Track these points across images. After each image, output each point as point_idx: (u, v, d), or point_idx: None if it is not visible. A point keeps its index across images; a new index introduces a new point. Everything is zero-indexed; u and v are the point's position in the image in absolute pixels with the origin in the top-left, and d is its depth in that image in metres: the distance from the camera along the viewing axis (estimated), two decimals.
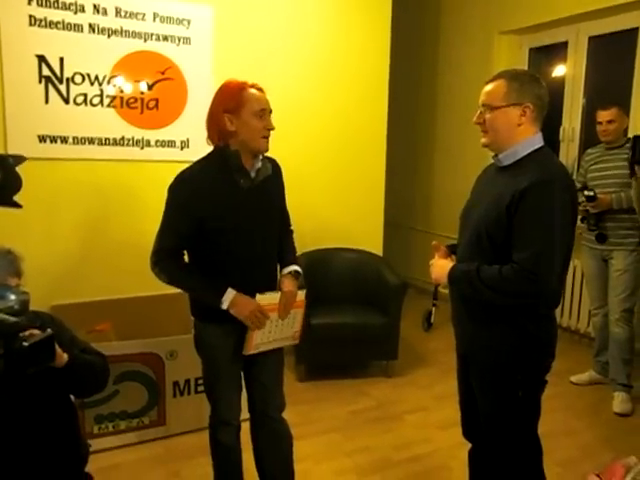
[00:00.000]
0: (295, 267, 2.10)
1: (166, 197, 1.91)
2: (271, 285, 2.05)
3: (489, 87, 1.70)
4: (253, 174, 1.92)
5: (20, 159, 1.52)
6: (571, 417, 3.14)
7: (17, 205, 1.53)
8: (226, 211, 1.88)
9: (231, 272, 1.93)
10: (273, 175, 2.01)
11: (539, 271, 1.54)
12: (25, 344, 1.39)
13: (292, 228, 2.23)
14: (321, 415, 3.15)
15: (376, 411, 3.23)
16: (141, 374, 2.77)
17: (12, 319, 1.42)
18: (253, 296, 1.93)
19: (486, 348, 1.74)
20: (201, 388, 2.85)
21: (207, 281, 1.93)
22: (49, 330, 1.47)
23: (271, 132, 1.90)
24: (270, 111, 1.90)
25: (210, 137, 1.93)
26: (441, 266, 1.77)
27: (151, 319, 3.04)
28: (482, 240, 1.67)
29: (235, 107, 1.83)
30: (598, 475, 1.09)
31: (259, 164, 1.94)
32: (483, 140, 1.75)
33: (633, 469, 1.15)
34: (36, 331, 1.44)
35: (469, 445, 2.05)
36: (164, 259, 1.92)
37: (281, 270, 2.13)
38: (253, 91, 1.86)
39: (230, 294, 1.88)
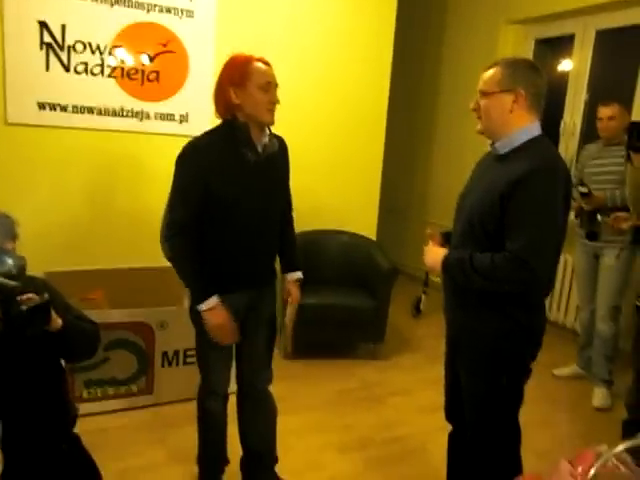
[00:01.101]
0: (300, 274, 2.21)
1: (174, 168, 1.92)
2: (268, 266, 2.10)
3: (486, 73, 1.73)
4: (260, 148, 1.94)
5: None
6: (550, 409, 3.20)
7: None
8: (232, 182, 1.90)
9: (233, 244, 1.96)
10: (280, 152, 2.03)
11: (531, 259, 1.57)
12: (24, 308, 1.41)
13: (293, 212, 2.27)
14: (307, 392, 3.21)
15: (360, 392, 3.30)
16: (131, 343, 2.82)
17: (12, 283, 1.43)
18: (253, 273, 1.99)
19: (475, 334, 1.77)
20: (189, 360, 2.91)
21: (200, 277, 1.95)
22: (46, 295, 1.48)
23: (276, 107, 1.91)
24: (276, 85, 1.91)
25: (217, 110, 1.94)
26: (435, 253, 1.79)
27: (143, 290, 3.07)
28: (475, 228, 1.70)
29: (240, 80, 1.85)
30: (570, 462, 1.13)
31: (266, 139, 1.95)
32: (478, 126, 1.77)
33: (604, 455, 1.19)
34: (33, 295, 1.46)
35: (448, 430, 2.10)
36: (176, 235, 1.92)
37: (284, 271, 2.21)
38: (259, 65, 1.88)
39: (212, 301, 1.92)
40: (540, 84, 1.70)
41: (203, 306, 1.92)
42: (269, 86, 1.87)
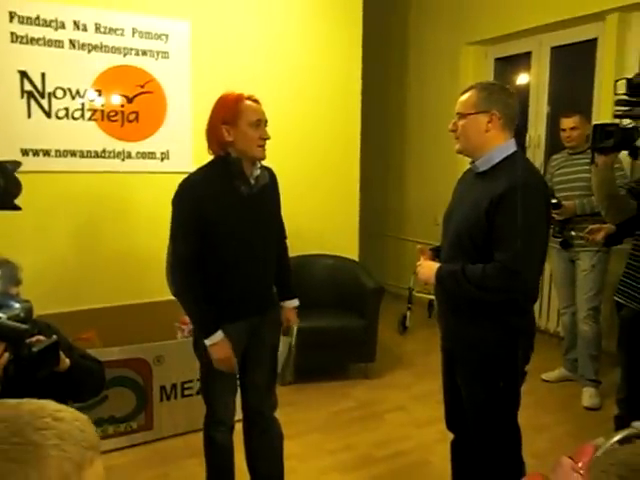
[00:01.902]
0: (297, 302, 2.31)
1: (172, 205, 1.99)
2: (267, 294, 2.17)
3: (463, 97, 1.85)
4: (252, 181, 2.01)
5: (16, 164, 1.59)
6: (543, 412, 3.27)
7: (17, 208, 1.59)
8: (228, 216, 1.97)
9: (232, 274, 2.01)
10: (270, 183, 2.11)
11: (520, 269, 1.68)
12: (34, 350, 1.44)
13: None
14: (304, 416, 3.24)
15: (357, 411, 3.34)
16: (129, 379, 2.82)
17: (23, 326, 1.45)
18: (252, 302, 2.06)
19: (471, 342, 1.86)
20: (187, 392, 2.93)
21: (205, 313, 2.01)
22: (54, 336, 1.52)
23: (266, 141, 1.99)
24: (265, 121, 1.99)
25: (210, 147, 2.02)
26: (428, 267, 1.88)
27: (135, 327, 3.08)
28: (464, 242, 1.80)
29: (232, 118, 1.93)
30: (570, 457, 1.20)
31: (258, 171, 2.03)
32: (457, 146, 1.88)
33: (603, 446, 1.26)
34: (42, 337, 1.49)
35: (447, 441, 2.16)
36: (180, 271, 2.00)
37: (281, 299, 2.28)
38: (249, 102, 1.96)
39: (217, 337, 1.99)
40: (512, 104, 1.83)
41: (208, 341, 1.98)
42: (259, 122, 1.96)
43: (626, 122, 2.22)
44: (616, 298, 2.41)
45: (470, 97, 1.82)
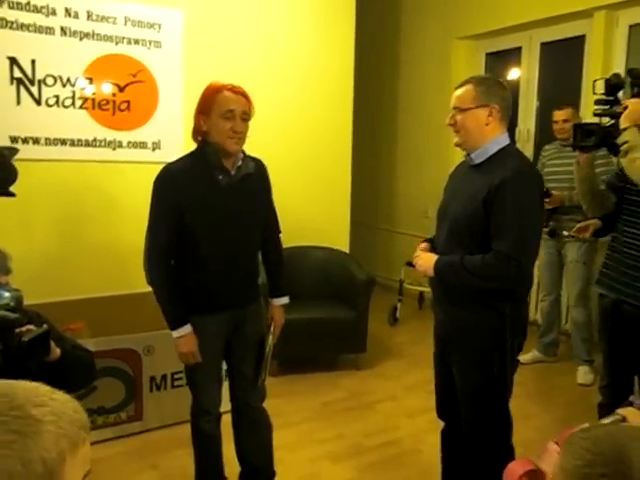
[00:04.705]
0: (286, 299, 2.29)
1: (151, 196, 1.98)
2: (249, 286, 2.14)
3: (459, 91, 1.86)
4: (233, 172, 1.99)
5: (14, 151, 1.57)
6: (527, 402, 3.30)
7: (12, 194, 1.58)
8: (204, 206, 1.95)
9: (211, 265, 2.00)
10: (256, 175, 2.08)
11: (519, 257, 1.72)
12: (25, 339, 1.42)
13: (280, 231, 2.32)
14: (294, 407, 3.25)
15: (347, 402, 3.36)
16: (118, 370, 2.81)
17: (13, 315, 1.45)
18: (232, 294, 2.05)
19: (467, 330, 1.88)
20: (177, 383, 2.93)
21: (175, 305, 2.01)
22: (45, 326, 1.50)
23: (245, 135, 1.95)
24: (244, 113, 1.93)
25: (192, 135, 2.01)
26: (426, 259, 1.89)
27: (124, 317, 3.06)
28: (461, 233, 1.82)
29: (206, 108, 1.92)
30: (556, 442, 1.22)
31: (239, 162, 2.01)
32: (456, 140, 1.90)
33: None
34: (32, 327, 1.48)
35: (438, 430, 2.18)
36: (153, 260, 1.99)
37: (270, 295, 2.27)
38: (227, 94, 1.91)
39: (186, 330, 1.99)
40: (508, 98, 1.86)
41: (175, 333, 1.99)
42: (231, 114, 1.90)
43: (605, 120, 2.27)
44: (595, 288, 2.49)
45: (468, 91, 1.83)
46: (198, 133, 1.97)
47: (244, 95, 1.95)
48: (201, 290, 2.02)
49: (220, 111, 1.90)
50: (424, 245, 2.00)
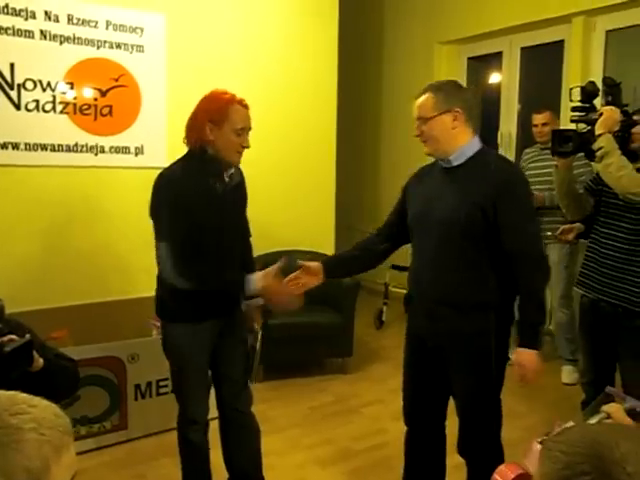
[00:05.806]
0: (261, 301, 2.21)
1: (155, 208, 1.94)
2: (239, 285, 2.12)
3: (419, 101, 1.86)
4: (227, 179, 2.01)
5: None
6: (511, 400, 3.32)
7: None
8: (206, 212, 1.94)
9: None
10: (241, 183, 2.11)
11: (541, 251, 1.85)
12: (7, 349, 1.39)
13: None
14: (281, 412, 3.23)
15: (334, 406, 3.35)
16: (102, 378, 2.77)
17: None
18: (220, 301, 2.04)
19: (465, 337, 1.85)
20: (163, 390, 2.89)
21: (228, 275, 2.02)
22: (27, 335, 1.46)
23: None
24: (249, 129, 1.97)
25: (188, 139, 1.98)
26: (529, 360, 1.80)
27: (108, 325, 3.03)
28: (454, 238, 1.79)
29: (219, 119, 1.90)
30: (540, 442, 1.23)
31: (232, 170, 2.02)
32: (426, 149, 1.90)
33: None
34: (14, 336, 1.44)
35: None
36: (182, 261, 1.92)
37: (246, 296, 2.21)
38: (239, 107, 1.93)
39: (258, 276, 1.99)
40: (469, 98, 1.88)
41: (257, 287, 1.97)
42: (243, 131, 1.93)
43: (582, 127, 2.32)
44: (576, 288, 2.54)
45: (428, 100, 1.83)
46: (199, 139, 1.94)
47: (248, 108, 1.98)
48: (197, 298, 1.99)
49: (234, 127, 1.91)
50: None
